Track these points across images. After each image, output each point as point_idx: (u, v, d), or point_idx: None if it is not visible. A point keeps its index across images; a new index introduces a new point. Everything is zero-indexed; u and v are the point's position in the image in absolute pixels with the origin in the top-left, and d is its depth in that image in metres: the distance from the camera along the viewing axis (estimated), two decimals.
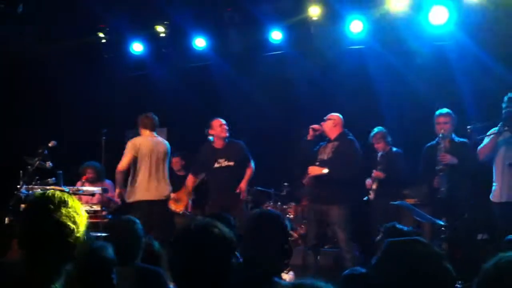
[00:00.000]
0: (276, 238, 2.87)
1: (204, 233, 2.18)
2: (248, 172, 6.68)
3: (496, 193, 5.44)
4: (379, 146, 6.76)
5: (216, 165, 6.63)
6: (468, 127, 5.65)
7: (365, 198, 6.74)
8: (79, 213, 2.10)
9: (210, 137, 6.72)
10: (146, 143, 6.54)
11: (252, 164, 6.71)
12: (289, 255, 2.96)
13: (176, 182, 8.09)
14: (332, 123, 6.24)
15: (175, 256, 2.21)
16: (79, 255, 2.46)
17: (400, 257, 1.93)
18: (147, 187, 6.50)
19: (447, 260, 1.94)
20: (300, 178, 7.20)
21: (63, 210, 2.04)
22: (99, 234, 5.24)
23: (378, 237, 3.61)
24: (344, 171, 5.94)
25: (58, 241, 2.02)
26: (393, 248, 2.00)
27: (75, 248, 2.08)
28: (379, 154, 6.71)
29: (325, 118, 6.29)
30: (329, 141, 6.24)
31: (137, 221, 3.67)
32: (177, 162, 8.25)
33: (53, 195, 2.08)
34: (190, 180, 6.99)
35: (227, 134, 6.65)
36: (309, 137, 6.24)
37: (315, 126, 6.23)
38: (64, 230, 2.02)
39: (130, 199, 6.57)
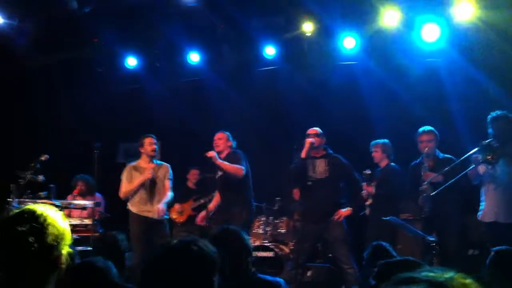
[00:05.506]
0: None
1: (183, 251, 2.08)
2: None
3: (482, 212, 5.49)
4: (376, 155, 6.71)
5: (217, 176, 6.57)
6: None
7: (361, 213, 6.75)
8: (48, 226, 2.02)
9: None
10: None
11: (242, 166, 6.32)
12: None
13: (185, 194, 8.12)
14: (322, 139, 6.29)
15: (154, 275, 2.10)
16: (73, 274, 2.42)
17: None
18: None
19: None
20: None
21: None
22: (88, 249, 5.22)
23: (364, 253, 3.68)
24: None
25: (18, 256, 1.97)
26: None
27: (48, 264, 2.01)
28: (377, 169, 6.71)
29: (313, 133, 6.27)
30: (316, 158, 6.27)
31: (121, 237, 3.80)
32: (194, 174, 8.32)
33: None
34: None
35: (218, 150, 6.45)
36: (304, 155, 6.20)
37: (311, 140, 6.20)
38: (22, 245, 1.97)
39: None
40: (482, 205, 5.51)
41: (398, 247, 6.35)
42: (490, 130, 5.42)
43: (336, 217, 6.09)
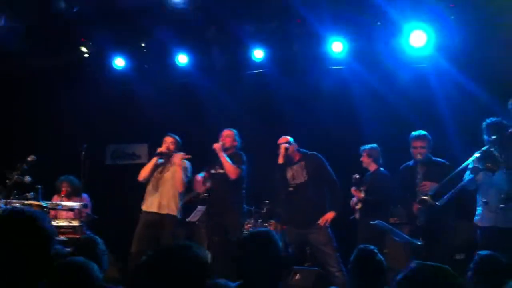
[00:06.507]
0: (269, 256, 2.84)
1: (177, 255, 2.12)
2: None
3: (479, 217, 5.49)
4: (363, 160, 6.75)
5: (213, 171, 6.55)
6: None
7: (351, 217, 6.77)
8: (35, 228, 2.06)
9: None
10: None
11: (239, 169, 6.41)
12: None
13: None
14: (295, 146, 6.27)
15: (146, 276, 2.14)
16: (55, 273, 2.42)
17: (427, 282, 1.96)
18: None
19: None
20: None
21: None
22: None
23: (352, 257, 3.70)
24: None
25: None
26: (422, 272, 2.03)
27: (38, 263, 2.04)
28: (367, 174, 6.74)
29: (284, 142, 6.24)
30: (295, 163, 6.25)
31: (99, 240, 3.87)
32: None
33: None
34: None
35: (224, 147, 6.50)
36: (281, 160, 6.20)
37: (285, 146, 6.18)
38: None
39: None
40: (479, 210, 5.47)
41: (385, 251, 6.39)
42: (485, 137, 5.40)
43: (322, 222, 6.07)
